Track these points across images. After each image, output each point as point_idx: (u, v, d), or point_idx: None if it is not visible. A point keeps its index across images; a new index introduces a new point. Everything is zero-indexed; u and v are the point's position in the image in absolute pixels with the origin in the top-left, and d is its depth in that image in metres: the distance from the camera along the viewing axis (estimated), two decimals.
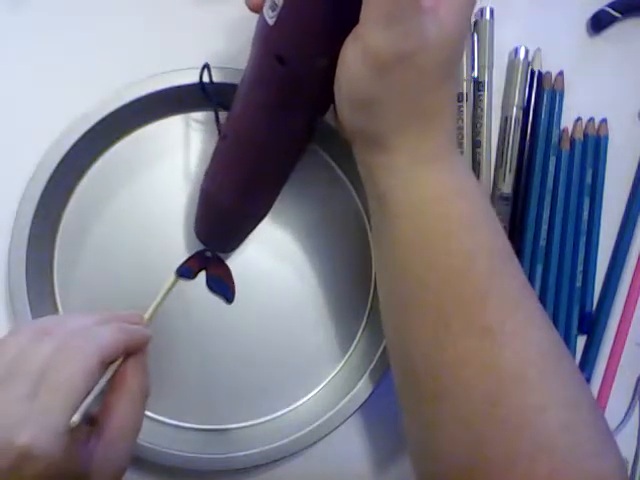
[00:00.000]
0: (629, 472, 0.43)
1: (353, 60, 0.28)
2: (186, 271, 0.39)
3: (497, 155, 0.43)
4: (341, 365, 0.41)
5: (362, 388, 0.38)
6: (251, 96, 0.32)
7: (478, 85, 0.43)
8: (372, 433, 0.41)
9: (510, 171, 0.42)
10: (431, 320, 0.29)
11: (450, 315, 0.28)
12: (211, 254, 0.40)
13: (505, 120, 0.43)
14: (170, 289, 0.37)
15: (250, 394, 0.40)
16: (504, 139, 0.43)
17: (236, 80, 0.34)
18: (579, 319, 0.43)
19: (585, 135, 0.43)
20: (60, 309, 0.40)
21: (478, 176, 0.43)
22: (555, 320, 0.42)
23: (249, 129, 0.33)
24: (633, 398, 0.43)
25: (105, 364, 0.29)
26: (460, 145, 0.42)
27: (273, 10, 0.28)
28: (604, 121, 0.44)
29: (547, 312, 0.41)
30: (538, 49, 0.44)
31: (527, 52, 0.43)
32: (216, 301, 0.40)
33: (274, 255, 0.41)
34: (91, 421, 0.29)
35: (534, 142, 0.43)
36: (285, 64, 0.29)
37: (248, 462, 0.37)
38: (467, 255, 0.29)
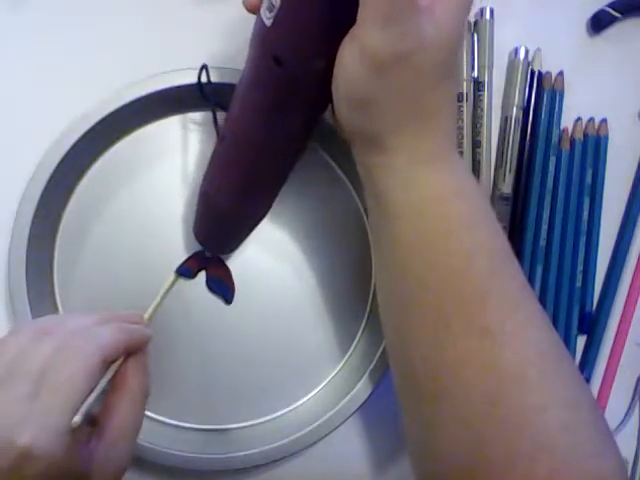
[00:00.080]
0: (629, 472, 0.43)
1: (350, 60, 0.28)
2: (186, 271, 0.39)
3: (497, 155, 0.43)
4: (341, 365, 0.41)
5: (362, 388, 0.38)
6: (248, 97, 0.32)
7: (478, 85, 0.43)
8: (372, 433, 0.41)
9: (510, 171, 0.42)
10: (431, 320, 0.29)
11: (450, 315, 0.28)
12: (211, 254, 0.40)
13: (505, 120, 0.43)
14: (170, 289, 0.37)
15: (250, 394, 0.40)
16: (504, 139, 0.43)
17: (235, 80, 0.34)
18: (579, 319, 0.43)
19: (585, 135, 0.43)
20: (60, 309, 0.40)
21: (478, 176, 0.43)
22: (555, 320, 0.42)
23: (247, 130, 0.33)
24: (633, 398, 0.43)
25: (106, 364, 0.29)
26: (460, 145, 0.42)
27: (270, 11, 0.28)
28: (604, 121, 0.44)
29: (547, 312, 0.42)
30: (538, 49, 0.44)
31: (527, 52, 0.43)
32: (216, 301, 0.40)
33: (274, 255, 0.41)
34: (92, 421, 0.29)
35: (534, 142, 0.43)
36: (282, 65, 0.29)
37: (248, 462, 0.37)
38: (467, 255, 0.29)
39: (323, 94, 0.30)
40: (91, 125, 0.38)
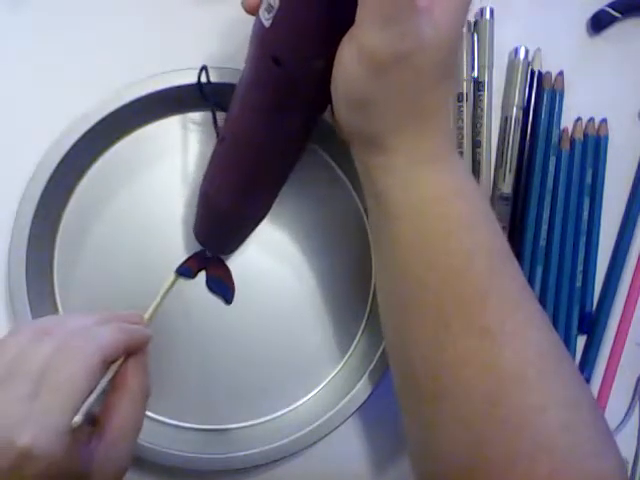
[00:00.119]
0: (629, 472, 0.43)
1: (349, 61, 0.28)
2: (186, 271, 0.39)
3: (497, 155, 0.43)
4: (341, 365, 0.41)
5: (362, 388, 0.38)
6: (248, 98, 0.32)
7: (478, 85, 0.43)
8: (371, 433, 0.41)
9: (510, 171, 0.42)
10: (431, 320, 0.29)
11: (450, 315, 0.28)
12: (211, 254, 0.40)
13: (505, 120, 0.43)
14: (170, 289, 0.37)
15: (250, 394, 0.40)
16: (504, 139, 0.43)
17: (235, 80, 0.34)
18: (579, 319, 0.43)
19: (585, 135, 0.43)
20: (60, 309, 0.40)
21: (478, 176, 0.43)
22: (555, 320, 0.42)
23: (246, 131, 0.33)
24: (633, 398, 0.43)
25: (106, 364, 0.29)
26: (460, 145, 0.42)
27: (269, 12, 0.28)
28: (604, 121, 0.44)
29: (547, 312, 0.42)
30: (538, 49, 0.44)
31: (527, 52, 0.43)
32: (216, 301, 0.40)
33: (274, 255, 0.41)
34: (92, 421, 0.29)
35: (534, 142, 0.43)
36: (281, 66, 0.29)
37: (248, 462, 0.37)
38: (466, 255, 0.29)
39: (322, 94, 0.30)
40: (91, 125, 0.38)
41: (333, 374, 0.41)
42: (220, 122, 0.36)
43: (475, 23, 0.43)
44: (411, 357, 0.30)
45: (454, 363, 0.28)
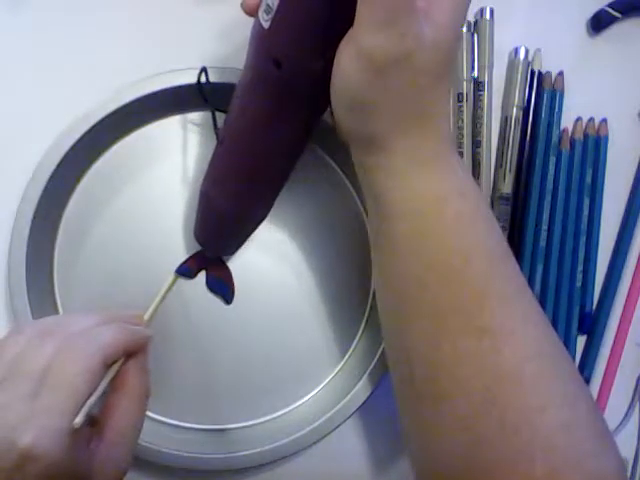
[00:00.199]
0: (629, 472, 0.43)
1: (348, 62, 0.28)
2: (186, 271, 0.39)
3: (497, 155, 0.43)
4: (341, 365, 0.41)
5: (362, 388, 0.38)
6: (247, 99, 0.32)
7: (478, 85, 0.43)
8: (372, 433, 0.41)
9: (510, 171, 0.42)
10: (429, 320, 0.29)
11: (448, 315, 0.28)
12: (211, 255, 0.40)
13: (505, 120, 0.43)
14: (170, 289, 0.37)
15: (250, 394, 0.40)
16: (504, 139, 0.43)
17: (235, 80, 0.34)
18: (579, 319, 0.43)
19: (585, 135, 0.43)
20: (60, 309, 0.40)
21: (478, 176, 0.43)
22: (555, 320, 0.42)
23: (246, 132, 0.33)
24: (633, 398, 0.43)
25: (107, 365, 0.29)
26: (460, 145, 0.42)
27: (268, 13, 0.28)
28: (604, 121, 0.44)
29: (547, 312, 0.42)
30: (538, 49, 0.44)
31: (527, 52, 0.43)
32: (216, 301, 0.40)
33: (273, 255, 0.41)
34: (92, 422, 0.29)
35: (534, 142, 0.43)
36: (280, 67, 0.29)
37: (248, 462, 0.38)
38: (465, 255, 0.29)
39: (322, 95, 0.30)
40: (91, 125, 0.38)
41: (333, 374, 0.41)
42: (220, 123, 0.36)
43: (475, 23, 0.43)
44: (409, 357, 0.30)
45: (453, 363, 0.28)
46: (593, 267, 0.43)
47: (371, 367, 0.38)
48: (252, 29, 0.31)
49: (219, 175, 0.36)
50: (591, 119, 0.44)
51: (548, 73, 0.43)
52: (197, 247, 0.39)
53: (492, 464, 0.27)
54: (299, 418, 0.39)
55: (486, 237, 0.30)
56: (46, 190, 0.38)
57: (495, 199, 0.43)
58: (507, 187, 0.42)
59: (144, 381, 0.31)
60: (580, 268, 0.43)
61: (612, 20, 0.44)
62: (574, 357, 0.43)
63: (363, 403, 0.38)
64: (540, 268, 0.42)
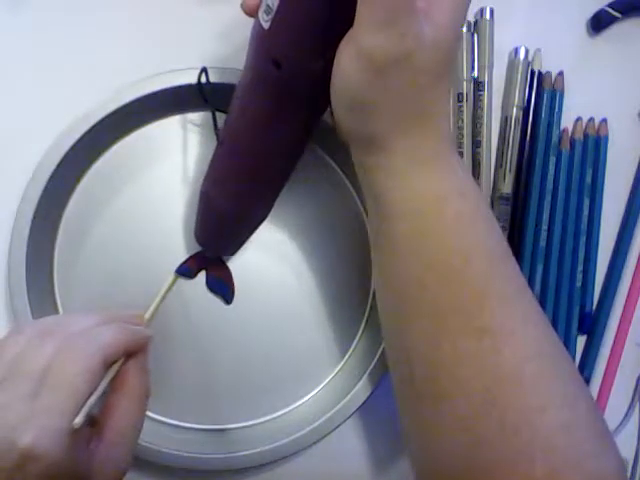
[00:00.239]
0: (629, 472, 0.43)
1: (348, 62, 0.28)
2: (186, 271, 0.39)
3: (497, 155, 0.43)
4: (341, 365, 0.41)
5: (362, 388, 0.38)
6: (247, 100, 0.32)
7: (478, 85, 0.43)
8: (372, 433, 0.41)
9: (510, 171, 0.42)
10: (429, 320, 0.29)
11: (448, 315, 0.28)
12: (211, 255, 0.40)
13: (505, 120, 0.43)
14: (170, 288, 0.37)
15: (250, 394, 0.40)
16: (504, 139, 0.43)
17: (235, 80, 0.34)
18: (579, 319, 0.43)
19: (585, 135, 0.43)
20: (60, 309, 0.40)
21: (478, 176, 0.43)
22: (555, 320, 0.42)
23: (246, 132, 0.33)
24: (633, 398, 0.43)
25: (107, 365, 0.29)
26: (460, 145, 0.42)
27: (268, 14, 0.28)
28: (604, 121, 0.44)
29: (547, 312, 0.42)
30: (538, 49, 0.44)
31: (527, 52, 0.43)
32: (216, 301, 0.40)
33: (273, 255, 0.41)
34: (92, 422, 0.29)
35: (534, 142, 0.43)
36: (280, 67, 0.29)
37: (248, 462, 0.38)
38: (465, 255, 0.29)
39: (322, 96, 0.30)
40: (91, 125, 0.38)
41: (333, 374, 0.41)
42: (220, 124, 0.36)
43: (475, 23, 0.43)
44: (409, 357, 0.30)
45: (452, 363, 0.28)
46: (593, 267, 0.43)
47: (371, 367, 0.38)
48: (252, 29, 0.31)
49: (219, 175, 0.36)
50: (591, 119, 0.44)
51: (548, 73, 0.43)
52: (197, 247, 0.39)
53: (492, 464, 0.27)
54: (299, 418, 0.39)
55: (486, 237, 0.30)
56: (46, 190, 0.38)
57: (495, 199, 0.43)
58: (507, 187, 0.42)
59: (144, 381, 0.31)
60: (580, 268, 0.43)
61: (612, 20, 0.44)
62: (574, 357, 0.43)
63: (363, 403, 0.38)
64: (540, 268, 0.42)
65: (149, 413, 0.39)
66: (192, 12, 0.42)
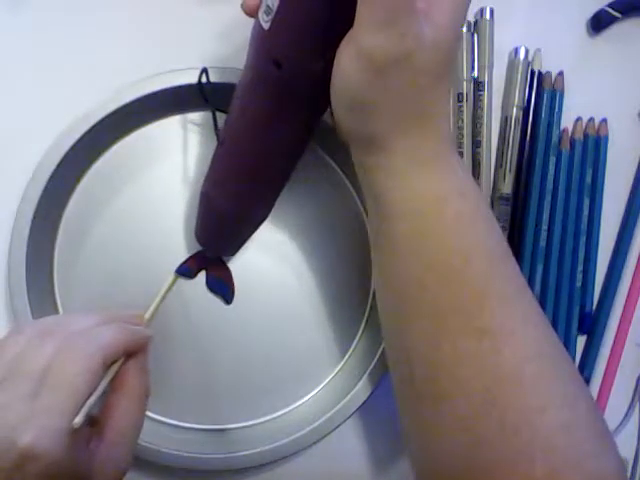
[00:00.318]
0: (629, 472, 0.43)
1: (348, 62, 0.28)
2: (186, 271, 0.39)
3: (497, 155, 0.43)
4: (341, 365, 0.41)
5: (362, 388, 0.38)
6: (247, 100, 0.32)
7: (478, 85, 0.43)
8: (372, 433, 0.41)
9: (510, 171, 0.42)
10: (429, 321, 0.29)
11: (448, 315, 0.28)
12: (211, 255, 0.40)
13: (505, 120, 0.43)
14: (170, 288, 0.37)
15: (250, 394, 0.40)
16: (504, 139, 0.43)
17: (235, 80, 0.34)
18: (579, 319, 0.43)
19: (585, 135, 0.43)
20: (60, 309, 0.40)
21: (478, 176, 0.43)
22: (555, 320, 0.42)
23: (246, 133, 0.33)
24: (633, 398, 0.43)
25: (107, 364, 0.29)
26: (460, 145, 0.42)
27: (268, 14, 0.28)
28: (604, 121, 0.44)
29: (547, 312, 0.42)
30: (538, 49, 0.44)
31: (527, 52, 0.43)
32: (216, 301, 0.40)
33: (273, 255, 0.41)
34: (92, 422, 0.29)
35: (534, 142, 0.43)
36: (281, 68, 0.29)
37: (248, 462, 0.38)
38: (465, 255, 0.29)
39: (322, 96, 0.30)
40: (91, 125, 0.38)
41: (333, 374, 0.41)
42: (220, 124, 0.36)
43: (475, 23, 0.43)
44: (409, 357, 0.30)
45: (453, 363, 0.28)
46: (593, 267, 0.43)
47: (371, 367, 0.38)
48: (252, 30, 0.31)
49: (220, 176, 0.36)
50: (591, 119, 0.44)
51: (548, 73, 0.43)
52: (197, 247, 0.39)
53: (492, 464, 0.27)
54: (299, 418, 0.39)
55: (486, 237, 0.30)
56: (46, 190, 0.38)
57: (495, 199, 0.43)
58: (507, 187, 0.42)
59: (144, 381, 0.31)
60: (580, 268, 0.43)
61: (612, 20, 0.44)
62: (574, 357, 0.43)
63: (363, 403, 0.38)
64: (540, 268, 0.42)
65: (149, 413, 0.39)
66: (192, 12, 0.42)
